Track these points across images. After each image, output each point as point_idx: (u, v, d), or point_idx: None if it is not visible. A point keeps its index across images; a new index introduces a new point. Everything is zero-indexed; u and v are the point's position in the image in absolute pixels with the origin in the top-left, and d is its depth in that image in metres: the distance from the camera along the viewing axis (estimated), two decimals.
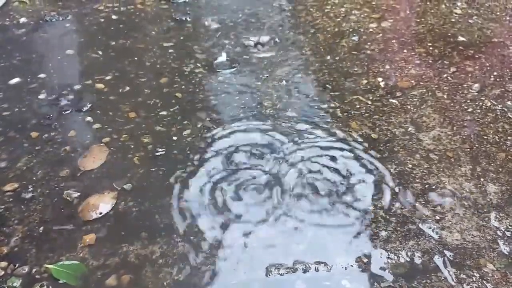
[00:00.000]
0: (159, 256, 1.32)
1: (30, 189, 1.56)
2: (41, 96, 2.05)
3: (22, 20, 2.77)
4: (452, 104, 1.96)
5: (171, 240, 1.37)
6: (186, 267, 1.29)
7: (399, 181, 1.57)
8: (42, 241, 1.37)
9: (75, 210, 1.47)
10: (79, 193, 1.54)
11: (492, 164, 1.64)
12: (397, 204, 1.48)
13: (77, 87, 2.12)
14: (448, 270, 1.27)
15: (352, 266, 1.29)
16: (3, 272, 1.28)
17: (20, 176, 1.61)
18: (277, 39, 2.52)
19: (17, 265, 1.30)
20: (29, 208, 1.49)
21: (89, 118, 1.91)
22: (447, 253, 1.32)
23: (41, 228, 1.41)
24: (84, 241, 1.36)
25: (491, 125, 1.83)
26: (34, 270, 1.28)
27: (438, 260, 1.30)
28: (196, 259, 1.31)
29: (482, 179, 1.58)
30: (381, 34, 2.57)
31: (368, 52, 2.39)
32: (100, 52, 2.42)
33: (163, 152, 1.71)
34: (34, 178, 1.60)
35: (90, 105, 1.98)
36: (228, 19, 2.79)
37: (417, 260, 1.30)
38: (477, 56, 2.32)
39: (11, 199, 1.52)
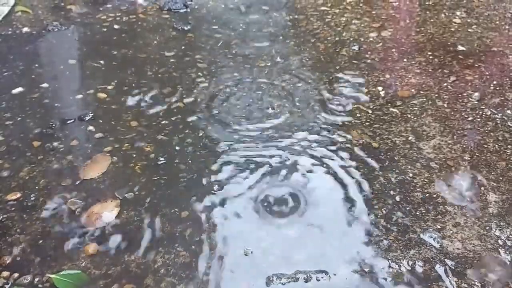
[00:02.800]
0: (161, 266, 1.32)
1: (33, 198, 1.56)
2: (44, 106, 2.06)
3: (25, 29, 2.79)
4: (452, 113, 1.97)
5: (172, 249, 1.37)
6: (187, 276, 1.29)
7: (400, 190, 1.58)
8: (45, 250, 1.38)
9: (78, 219, 1.48)
10: (81, 202, 1.54)
11: (492, 173, 1.65)
12: (398, 213, 1.49)
13: (79, 96, 2.14)
14: (450, 279, 1.27)
15: (353, 275, 1.29)
16: (5, 282, 1.28)
17: (22, 185, 1.62)
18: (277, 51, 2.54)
19: (19, 274, 1.30)
20: (32, 217, 1.49)
21: (91, 127, 1.92)
22: (449, 262, 1.32)
23: (44, 238, 1.42)
24: (87, 251, 1.37)
25: (491, 133, 1.84)
26: (36, 279, 1.29)
27: (439, 269, 1.30)
28: (198, 269, 1.31)
29: (482, 188, 1.58)
30: (381, 43, 2.59)
31: (368, 61, 2.40)
32: (102, 62, 2.44)
33: (165, 161, 1.72)
34: (36, 187, 1.61)
35: (92, 114, 1.99)
36: (228, 29, 2.81)
37: (419, 269, 1.31)
38: (476, 65, 2.34)
39: (13, 209, 1.53)
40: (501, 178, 1.62)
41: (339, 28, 2.77)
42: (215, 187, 1.60)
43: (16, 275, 1.30)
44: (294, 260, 1.33)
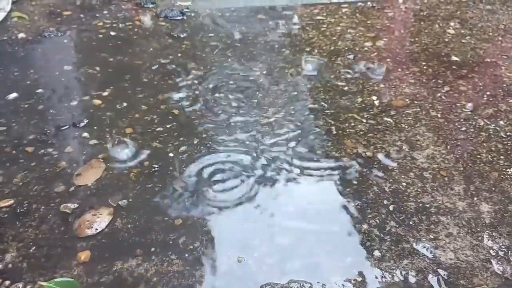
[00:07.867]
0: (153, 274, 1.32)
1: (26, 205, 1.55)
2: (38, 112, 2.06)
3: (21, 35, 2.79)
4: (445, 123, 1.98)
5: (166, 257, 1.37)
6: (180, 285, 1.29)
7: (394, 199, 1.58)
8: (37, 257, 1.37)
9: (71, 227, 1.47)
10: (74, 209, 1.54)
11: (485, 183, 1.66)
12: (392, 223, 1.49)
13: (74, 102, 2.14)
14: None
15: (346, 284, 1.29)
16: None
17: (15, 192, 1.61)
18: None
19: (11, 282, 1.29)
20: (24, 224, 1.48)
21: (85, 134, 1.91)
22: (441, 272, 1.33)
23: (36, 245, 1.41)
24: (79, 258, 1.36)
25: (484, 144, 1.86)
26: (28, 287, 1.28)
27: (432, 279, 1.31)
28: (191, 278, 1.31)
29: (475, 198, 1.59)
30: (376, 53, 2.61)
31: (363, 70, 2.42)
32: (97, 68, 2.44)
33: (159, 169, 1.72)
34: (29, 194, 1.60)
35: (87, 120, 1.99)
36: (224, 38, 2.82)
37: (412, 279, 1.31)
38: (470, 76, 2.36)
39: (6, 215, 1.52)
40: (493, 189, 1.63)
41: (334, 38, 2.79)
42: (210, 195, 1.60)
43: (7, 282, 1.29)
44: (287, 269, 1.33)
